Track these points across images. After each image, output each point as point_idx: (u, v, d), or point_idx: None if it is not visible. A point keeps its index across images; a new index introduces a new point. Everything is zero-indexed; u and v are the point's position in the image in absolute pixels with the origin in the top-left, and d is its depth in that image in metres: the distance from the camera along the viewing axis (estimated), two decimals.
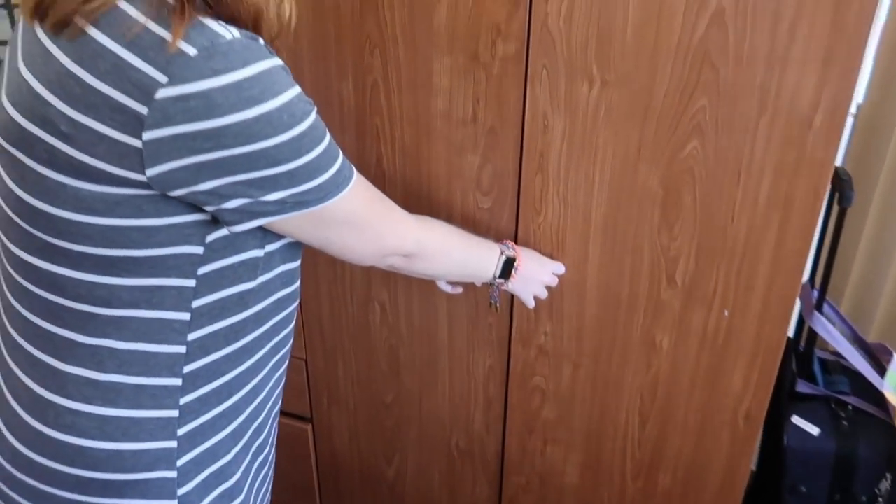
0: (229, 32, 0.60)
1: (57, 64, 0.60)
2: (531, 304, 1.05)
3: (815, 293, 1.34)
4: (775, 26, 0.81)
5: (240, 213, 0.65)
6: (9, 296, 0.72)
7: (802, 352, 1.39)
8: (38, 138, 0.62)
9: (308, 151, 0.65)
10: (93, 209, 0.63)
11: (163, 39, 0.58)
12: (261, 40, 0.63)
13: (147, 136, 0.59)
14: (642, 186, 0.96)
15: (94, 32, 0.59)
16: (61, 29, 0.60)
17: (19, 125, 0.63)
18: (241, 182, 0.63)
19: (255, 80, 0.60)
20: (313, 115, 0.66)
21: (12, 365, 0.72)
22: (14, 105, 0.63)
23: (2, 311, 0.74)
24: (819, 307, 1.32)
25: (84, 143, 0.60)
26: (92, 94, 0.59)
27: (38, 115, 0.61)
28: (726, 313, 0.99)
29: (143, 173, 0.60)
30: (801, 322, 1.44)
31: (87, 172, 0.61)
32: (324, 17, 1.02)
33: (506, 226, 1.06)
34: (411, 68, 1.01)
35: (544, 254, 1.05)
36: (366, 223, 0.77)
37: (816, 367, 1.37)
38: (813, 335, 1.35)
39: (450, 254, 0.92)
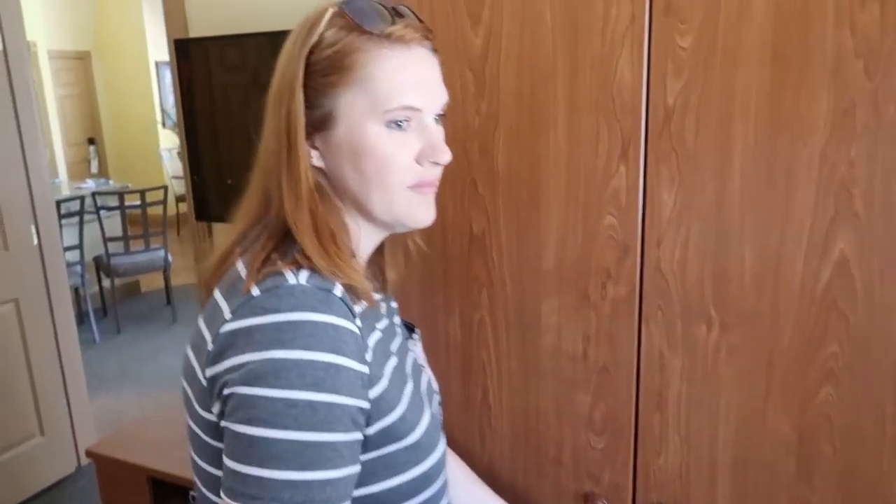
0: (296, 279, 0.61)
1: (196, 326, 0.67)
2: None
3: None
4: None
5: None
6: None
7: None
8: (185, 391, 0.68)
9: (291, 428, 0.55)
10: (213, 462, 0.66)
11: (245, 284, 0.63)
12: (335, 294, 0.62)
13: (209, 372, 0.62)
14: (773, 432, 0.90)
15: (215, 291, 0.66)
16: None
17: (182, 387, 0.69)
18: (229, 442, 0.59)
19: (293, 326, 0.58)
20: (330, 397, 0.57)
21: None
22: (183, 375, 0.70)
23: None
24: None
25: (196, 390, 0.65)
26: (203, 343, 0.63)
27: (187, 372, 0.68)
28: None
29: (211, 412, 0.63)
30: None
31: (199, 420, 0.65)
32: (433, 259, 1.06)
33: (621, 468, 1.00)
34: (519, 307, 1.02)
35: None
36: None
37: None
38: None
39: None
